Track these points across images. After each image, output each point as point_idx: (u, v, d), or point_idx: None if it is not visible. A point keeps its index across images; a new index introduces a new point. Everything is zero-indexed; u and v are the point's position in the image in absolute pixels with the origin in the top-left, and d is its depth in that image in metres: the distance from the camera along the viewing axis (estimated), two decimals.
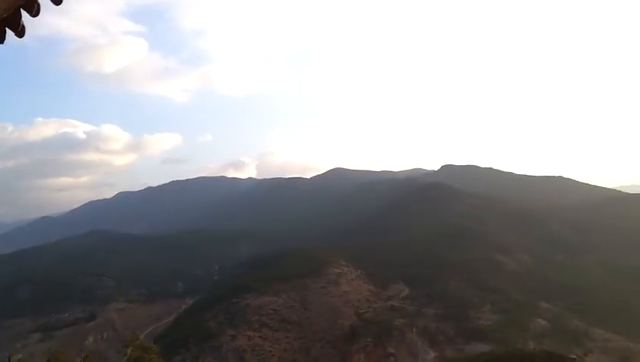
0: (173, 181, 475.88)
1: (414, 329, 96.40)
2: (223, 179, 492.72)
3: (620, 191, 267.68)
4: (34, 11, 5.60)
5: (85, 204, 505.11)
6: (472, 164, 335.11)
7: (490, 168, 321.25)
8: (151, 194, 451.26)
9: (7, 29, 5.67)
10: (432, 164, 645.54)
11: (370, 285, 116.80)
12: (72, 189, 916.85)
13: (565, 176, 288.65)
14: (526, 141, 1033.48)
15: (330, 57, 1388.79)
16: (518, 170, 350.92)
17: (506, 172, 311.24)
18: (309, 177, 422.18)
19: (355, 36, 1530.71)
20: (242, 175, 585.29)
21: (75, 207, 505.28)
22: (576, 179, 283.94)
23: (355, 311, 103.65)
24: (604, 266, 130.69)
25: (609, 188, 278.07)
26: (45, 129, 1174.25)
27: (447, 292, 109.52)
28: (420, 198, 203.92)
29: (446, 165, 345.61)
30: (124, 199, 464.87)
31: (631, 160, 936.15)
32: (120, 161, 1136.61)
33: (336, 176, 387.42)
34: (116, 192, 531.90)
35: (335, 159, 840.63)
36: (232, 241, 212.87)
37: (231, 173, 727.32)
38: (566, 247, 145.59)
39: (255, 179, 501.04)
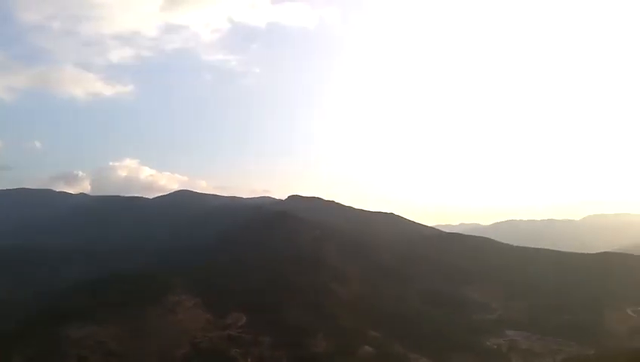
0: None
1: (249, 359, 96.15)
2: (49, 193, 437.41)
3: (438, 229, 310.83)
4: None
5: None
6: (316, 196, 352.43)
7: (332, 201, 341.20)
8: None
9: None
10: (280, 194, 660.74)
11: (208, 313, 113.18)
12: None
13: (396, 213, 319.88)
14: (363, 179, 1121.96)
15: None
16: (357, 205, 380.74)
17: (346, 206, 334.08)
18: (151, 197, 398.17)
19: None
20: (73, 190, 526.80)
21: None
22: (404, 217, 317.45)
23: (190, 341, 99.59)
24: (425, 295, 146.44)
25: (429, 226, 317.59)
26: None
27: (284, 320, 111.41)
28: (267, 226, 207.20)
29: (293, 195, 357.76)
30: None
31: (446, 204, 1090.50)
32: None
33: (183, 198, 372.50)
34: None
35: (183, 180, 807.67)
36: (54, 262, 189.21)
37: (60, 187, 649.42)
38: (394, 277, 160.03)
39: (88, 195, 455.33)
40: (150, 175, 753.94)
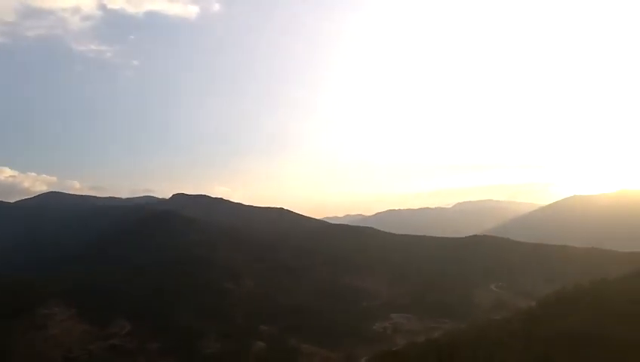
0: None
1: None
2: None
3: (326, 222, 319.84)
4: None
5: None
6: (203, 194, 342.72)
7: (220, 198, 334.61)
8: None
9: None
10: (164, 193, 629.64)
11: (86, 324, 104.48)
12: None
13: (285, 208, 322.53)
14: (251, 175, 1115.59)
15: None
16: (246, 201, 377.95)
17: (234, 203, 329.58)
18: (13, 201, 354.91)
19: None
20: None
21: None
22: (293, 211, 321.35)
23: (63, 356, 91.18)
24: (317, 287, 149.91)
25: (318, 219, 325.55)
26: None
27: (174, 324, 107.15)
28: (150, 226, 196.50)
29: (177, 194, 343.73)
30: None
31: (332, 197, 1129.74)
32: None
33: (51, 200, 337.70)
34: None
35: (51, 181, 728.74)
36: None
37: None
38: (286, 272, 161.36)
39: None
40: (11, 176, 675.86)
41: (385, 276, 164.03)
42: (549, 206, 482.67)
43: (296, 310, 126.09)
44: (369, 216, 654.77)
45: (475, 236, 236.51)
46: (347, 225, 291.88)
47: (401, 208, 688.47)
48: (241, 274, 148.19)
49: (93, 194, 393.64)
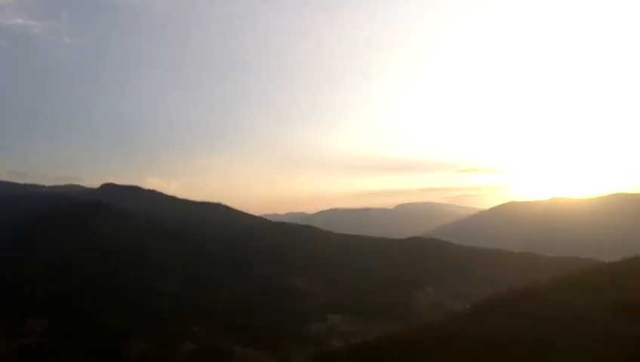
0: None
1: None
2: None
3: (266, 219, 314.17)
4: None
5: None
6: (135, 185, 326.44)
7: (153, 191, 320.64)
8: None
9: None
10: (92, 182, 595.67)
11: None
12: None
13: (223, 203, 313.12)
14: (189, 168, 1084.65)
15: None
16: (181, 195, 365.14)
17: (169, 196, 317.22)
18: None
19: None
20: None
21: None
22: (232, 207, 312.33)
23: None
24: (253, 286, 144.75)
25: (257, 216, 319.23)
26: None
27: (98, 324, 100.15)
28: (75, 218, 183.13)
29: (107, 184, 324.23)
30: None
31: (274, 194, 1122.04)
32: None
33: None
34: None
35: None
36: None
37: None
38: (221, 269, 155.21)
39: None
40: None
41: (322, 276, 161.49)
42: (488, 211, 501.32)
43: (229, 310, 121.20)
44: (311, 215, 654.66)
45: (414, 238, 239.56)
46: (286, 223, 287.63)
47: (344, 207, 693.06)
48: (172, 271, 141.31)
49: (12, 180, 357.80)
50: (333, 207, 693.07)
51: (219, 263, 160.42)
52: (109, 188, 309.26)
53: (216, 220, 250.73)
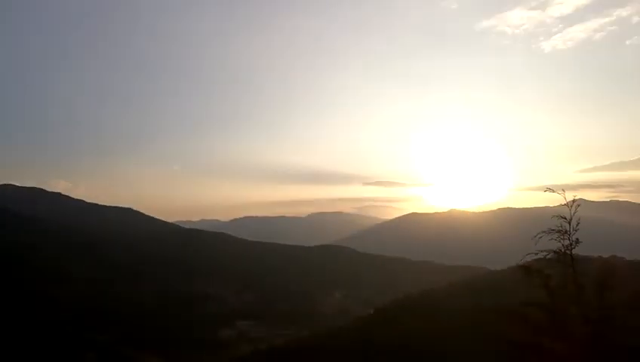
0: None
1: None
2: None
3: (178, 226, 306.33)
4: None
5: None
6: (37, 187, 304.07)
7: (58, 194, 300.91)
8: None
9: None
10: None
11: None
12: None
13: (134, 209, 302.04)
14: (98, 170, 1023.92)
15: None
16: (90, 198, 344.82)
17: (74, 198, 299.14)
18: None
19: None
20: None
21: None
22: (143, 212, 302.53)
23: None
24: (161, 293, 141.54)
25: (169, 222, 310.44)
26: None
27: None
28: None
29: (5, 185, 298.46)
30: None
31: (189, 200, 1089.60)
32: None
33: None
34: None
35: None
36: None
37: None
38: (128, 276, 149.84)
39: None
40: None
41: (233, 282, 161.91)
42: (392, 221, 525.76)
43: (134, 317, 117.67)
44: (225, 222, 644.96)
45: (324, 245, 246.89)
46: (198, 230, 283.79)
47: (258, 215, 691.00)
48: (72, 277, 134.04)
49: None
50: (247, 215, 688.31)
51: (125, 269, 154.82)
52: (7, 190, 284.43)
53: (125, 225, 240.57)
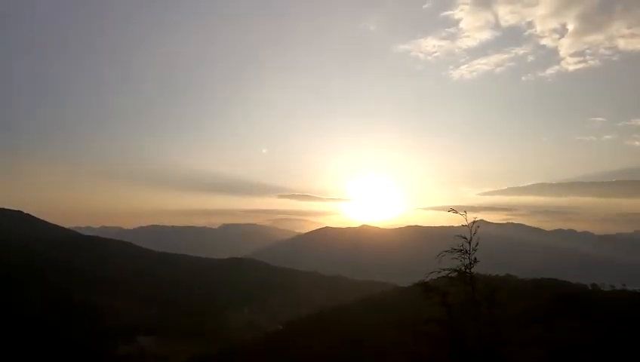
0: None
1: None
2: None
3: (75, 232, 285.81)
4: None
5: None
6: None
7: None
8: None
9: None
10: None
11: None
12: None
13: (25, 212, 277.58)
14: None
15: None
16: None
17: None
18: None
19: None
20: None
21: None
22: (35, 216, 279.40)
23: None
24: (54, 303, 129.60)
25: (66, 228, 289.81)
26: None
27: None
28: None
29: None
30: None
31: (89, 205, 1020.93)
32: None
33: None
34: None
35: None
36: None
37: None
38: (16, 284, 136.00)
39: None
40: None
41: (135, 294, 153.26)
42: (305, 234, 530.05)
43: (24, 328, 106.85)
44: (129, 230, 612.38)
45: (234, 258, 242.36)
46: (96, 237, 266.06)
47: (166, 224, 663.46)
48: None
49: None
50: (154, 223, 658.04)
51: (15, 277, 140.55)
52: None
53: (13, 229, 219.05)
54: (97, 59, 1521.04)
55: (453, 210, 9.06)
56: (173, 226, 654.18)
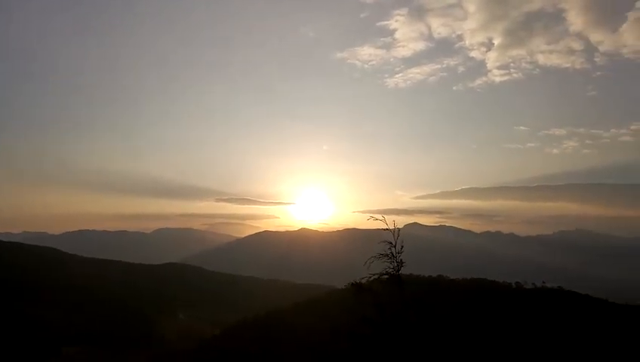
0: None
1: None
2: None
3: None
4: None
5: None
6: None
7: None
8: None
9: None
10: None
11: None
12: None
13: None
14: None
15: None
16: None
17: None
18: None
19: None
20: None
21: None
22: None
23: None
24: None
25: None
26: None
27: None
28: None
29: None
30: None
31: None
32: None
33: None
34: None
35: None
36: None
37: None
38: None
39: None
40: None
41: (61, 303, 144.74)
42: (243, 239, 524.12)
43: None
44: (55, 235, 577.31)
45: (169, 263, 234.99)
46: (19, 243, 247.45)
47: (97, 228, 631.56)
48: None
49: None
50: (83, 228, 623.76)
51: None
52: None
53: None
54: (18, 60, 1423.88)
55: (372, 217, 9.60)
56: (104, 231, 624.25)
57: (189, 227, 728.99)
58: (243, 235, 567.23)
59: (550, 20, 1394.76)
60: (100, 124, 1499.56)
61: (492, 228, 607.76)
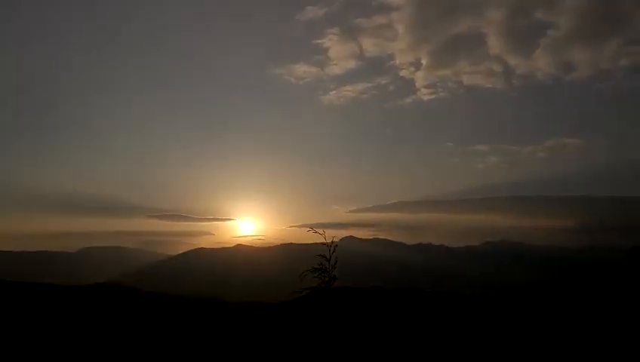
0: None
1: None
2: None
3: None
4: None
5: None
6: None
7: None
8: None
9: None
10: None
11: None
12: None
13: None
14: None
15: None
16: None
17: None
18: None
19: None
20: None
21: None
22: None
23: None
24: None
25: None
26: None
27: None
28: None
29: None
30: None
31: None
32: None
33: None
34: None
35: None
36: None
37: None
38: None
39: None
40: None
41: None
42: (176, 256, 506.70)
43: None
44: None
45: (95, 284, 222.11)
46: None
47: (12, 249, 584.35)
48: None
49: None
50: None
51: None
52: None
53: None
54: None
55: (311, 229, 9.85)
56: (19, 251, 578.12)
57: (117, 245, 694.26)
58: (176, 252, 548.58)
59: (473, 43, 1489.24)
60: (20, 136, 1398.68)
61: (423, 240, 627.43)
